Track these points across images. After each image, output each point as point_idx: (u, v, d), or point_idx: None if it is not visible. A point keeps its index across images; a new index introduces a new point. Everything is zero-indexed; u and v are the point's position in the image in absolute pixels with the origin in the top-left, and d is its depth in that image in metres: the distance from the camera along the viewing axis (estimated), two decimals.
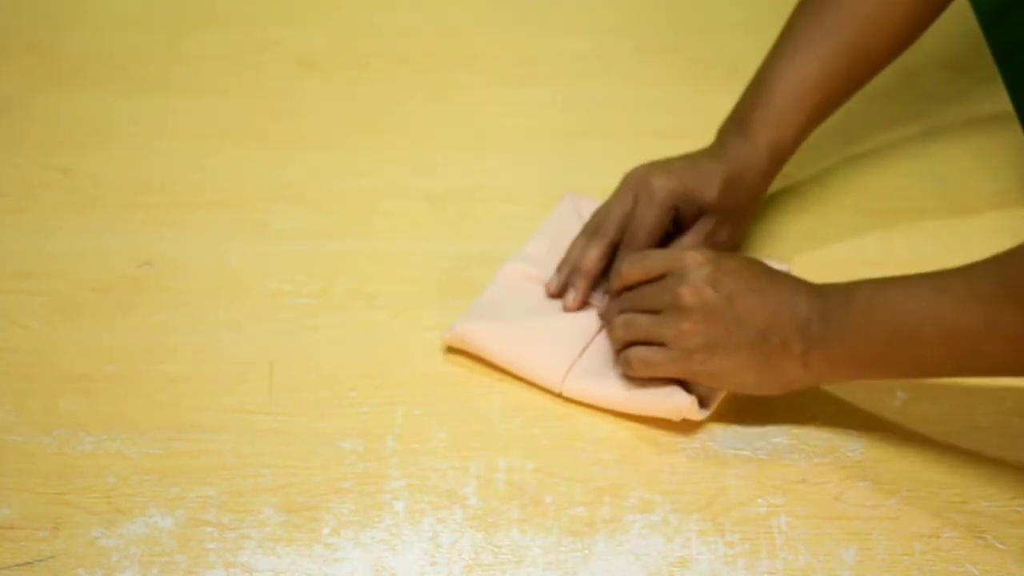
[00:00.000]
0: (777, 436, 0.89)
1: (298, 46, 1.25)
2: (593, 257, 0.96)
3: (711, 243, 0.97)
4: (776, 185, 1.01)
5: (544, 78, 1.21)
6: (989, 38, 1.21)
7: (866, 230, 1.05)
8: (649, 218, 0.95)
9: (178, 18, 1.28)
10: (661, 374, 0.88)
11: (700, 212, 0.96)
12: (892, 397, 0.91)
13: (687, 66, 1.22)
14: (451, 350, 0.96)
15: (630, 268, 0.91)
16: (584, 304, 0.96)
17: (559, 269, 0.98)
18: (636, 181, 0.96)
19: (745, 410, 0.90)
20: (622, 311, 0.91)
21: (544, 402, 0.93)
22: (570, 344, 0.94)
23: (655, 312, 0.89)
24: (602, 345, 0.94)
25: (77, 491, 0.86)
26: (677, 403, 0.89)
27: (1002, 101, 1.15)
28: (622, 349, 0.90)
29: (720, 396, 0.90)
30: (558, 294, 0.97)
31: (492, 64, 1.23)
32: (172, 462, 0.88)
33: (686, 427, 0.90)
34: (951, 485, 0.86)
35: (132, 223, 1.06)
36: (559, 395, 0.92)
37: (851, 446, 0.89)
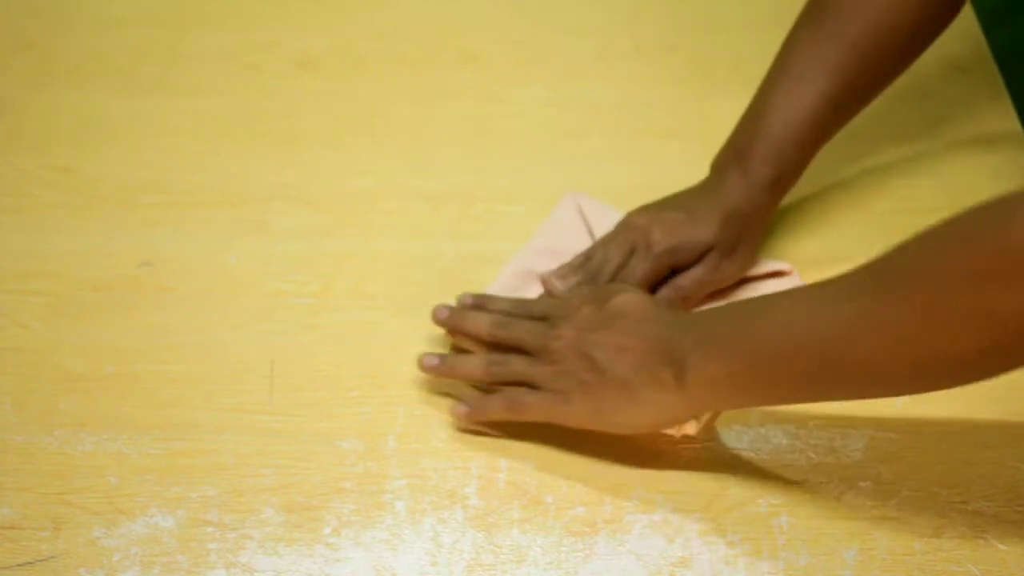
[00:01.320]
0: (777, 436, 0.89)
1: (298, 46, 1.25)
2: None
3: (720, 276, 0.97)
4: None
5: (544, 78, 1.21)
6: (990, 39, 1.21)
7: (866, 230, 1.05)
8: (641, 270, 0.95)
9: (178, 18, 1.28)
10: (531, 417, 0.88)
11: (703, 252, 0.96)
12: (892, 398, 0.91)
13: (687, 66, 1.22)
14: (452, 349, 0.96)
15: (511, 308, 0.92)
16: None
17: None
18: (637, 232, 0.96)
19: (746, 410, 0.90)
20: (494, 353, 0.90)
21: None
22: None
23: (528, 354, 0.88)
24: None
25: (78, 491, 0.86)
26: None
27: (1003, 102, 1.15)
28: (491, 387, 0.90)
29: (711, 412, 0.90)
30: None
31: (492, 64, 1.23)
32: (172, 462, 0.88)
33: None
34: (951, 485, 0.86)
35: (132, 223, 1.06)
36: None
37: (851, 446, 0.89)
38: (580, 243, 1.02)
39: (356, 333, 0.97)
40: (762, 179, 0.96)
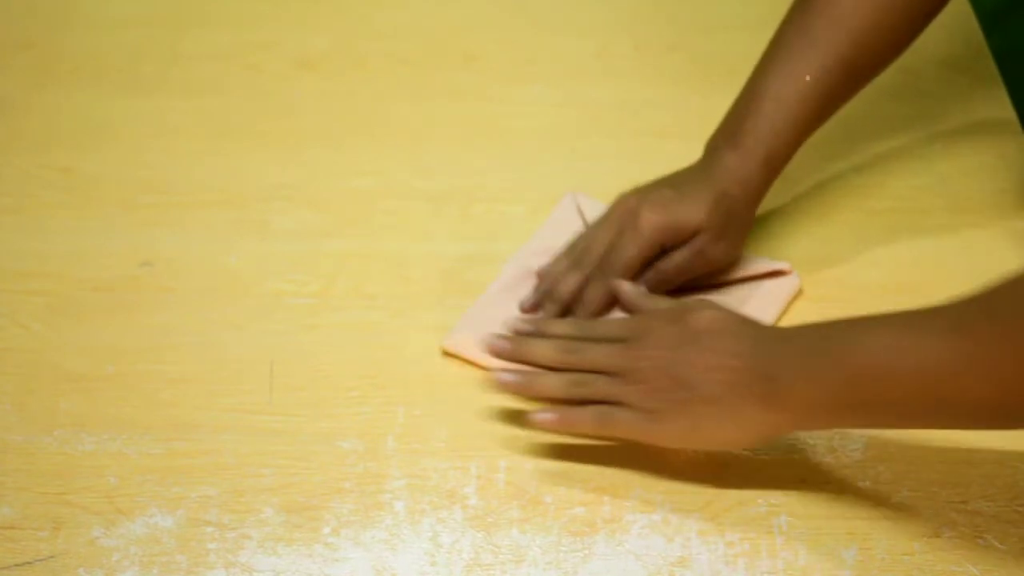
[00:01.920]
0: None
1: (298, 46, 1.25)
2: (570, 286, 0.96)
3: (704, 260, 0.96)
4: (776, 186, 1.01)
5: (544, 78, 1.21)
6: (989, 39, 1.21)
7: (867, 230, 1.05)
8: (631, 251, 0.95)
9: (178, 18, 1.28)
10: (619, 433, 0.87)
11: (692, 233, 0.95)
12: None
13: (687, 66, 1.22)
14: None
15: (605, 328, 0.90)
16: None
17: (536, 288, 0.97)
18: (626, 213, 0.96)
19: None
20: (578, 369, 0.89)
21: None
22: None
23: (611, 373, 0.87)
24: None
25: (78, 491, 0.86)
26: None
27: (1002, 102, 1.15)
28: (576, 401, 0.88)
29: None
30: (531, 311, 0.97)
31: (492, 64, 1.23)
32: (172, 462, 0.88)
33: None
34: (951, 485, 0.86)
35: (132, 223, 1.07)
36: None
37: (851, 446, 0.89)
38: None
39: (356, 333, 0.97)
40: (754, 153, 0.96)
